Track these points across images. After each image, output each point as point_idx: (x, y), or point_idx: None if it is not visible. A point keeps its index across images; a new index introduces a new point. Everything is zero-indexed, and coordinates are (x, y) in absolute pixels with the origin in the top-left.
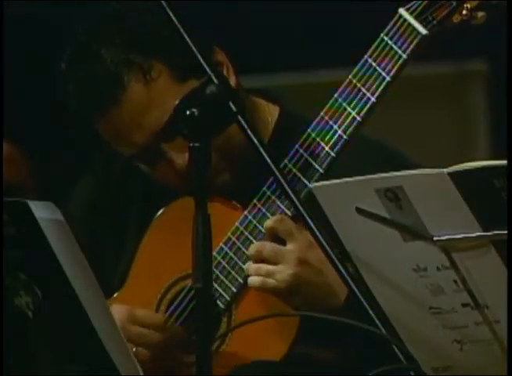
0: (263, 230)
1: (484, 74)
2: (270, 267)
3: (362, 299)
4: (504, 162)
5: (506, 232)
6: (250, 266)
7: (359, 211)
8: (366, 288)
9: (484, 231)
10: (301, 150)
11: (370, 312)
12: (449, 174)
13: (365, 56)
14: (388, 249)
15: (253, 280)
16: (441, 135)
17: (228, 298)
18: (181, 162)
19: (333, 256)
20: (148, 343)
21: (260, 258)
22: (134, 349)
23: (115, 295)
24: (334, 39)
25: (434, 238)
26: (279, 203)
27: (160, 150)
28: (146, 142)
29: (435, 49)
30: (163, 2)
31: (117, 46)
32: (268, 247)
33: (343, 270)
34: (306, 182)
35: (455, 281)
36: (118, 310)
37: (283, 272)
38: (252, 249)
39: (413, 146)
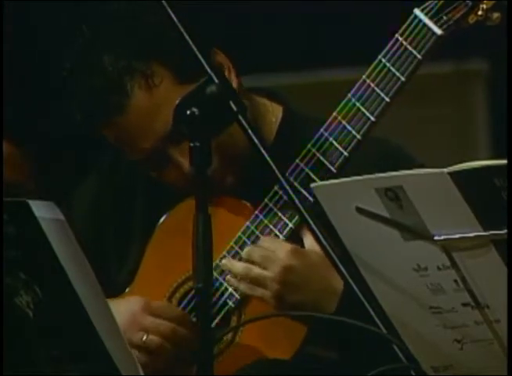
0: (274, 230)
1: (484, 74)
2: (261, 270)
3: (363, 299)
4: (504, 162)
5: (504, 231)
6: (234, 264)
7: (360, 210)
8: (367, 288)
9: (484, 230)
10: (314, 150)
11: (371, 311)
12: (449, 173)
13: (380, 56)
14: (389, 249)
15: (242, 287)
16: (441, 135)
17: (238, 297)
18: (189, 166)
19: (335, 257)
20: (161, 332)
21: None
22: (145, 337)
23: (126, 291)
24: (335, 39)
25: (435, 238)
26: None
27: (168, 155)
28: (153, 148)
29: (435, 49)
30: (164, 2)
31: (118, 53)
32: (257, 251)
33: (344, 270)
34: (318, 181)
35: (455, 281)
36: (133, 300)
37: (270, 281)
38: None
39: (413, 146)
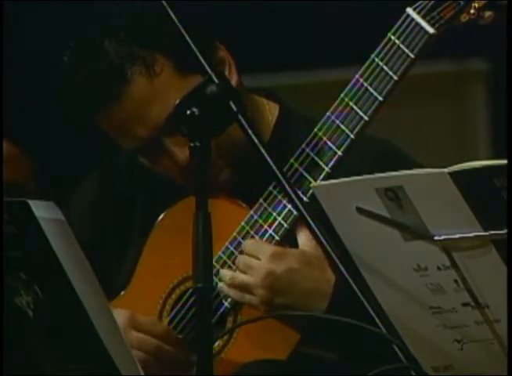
0: (269, 230)
1: (484, 74)
2: (245, 277)
3: (363, 299)
4: (504, 162)
5: (504, 231)
6: (223, 273)
7: (360, 210)
8: (367, 288)
9: (484, 230)
10: (308, 150)
11: (371, 311)
12: (450, 173)
13: (372, 56)
14: (389, 249)
15: (232, 294)
16: (441, 135)
17: None
18: (183, 157)
19: (335, 256)
20: (145, 348)
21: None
22: None
23: (122, 293)
24: (335, 39)
25: (435, 238)
26: (285, 202)
27: (162, 144)
28: (148, 136)
29: (435, 48)
30: (163, 2)
31: (120, 40)
32: (240, 259)
33: (344, 270)
34: (312, 181)
35: (455, 281)
36: (120, 314)
37: (255, 287)
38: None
39: (413, 146)
